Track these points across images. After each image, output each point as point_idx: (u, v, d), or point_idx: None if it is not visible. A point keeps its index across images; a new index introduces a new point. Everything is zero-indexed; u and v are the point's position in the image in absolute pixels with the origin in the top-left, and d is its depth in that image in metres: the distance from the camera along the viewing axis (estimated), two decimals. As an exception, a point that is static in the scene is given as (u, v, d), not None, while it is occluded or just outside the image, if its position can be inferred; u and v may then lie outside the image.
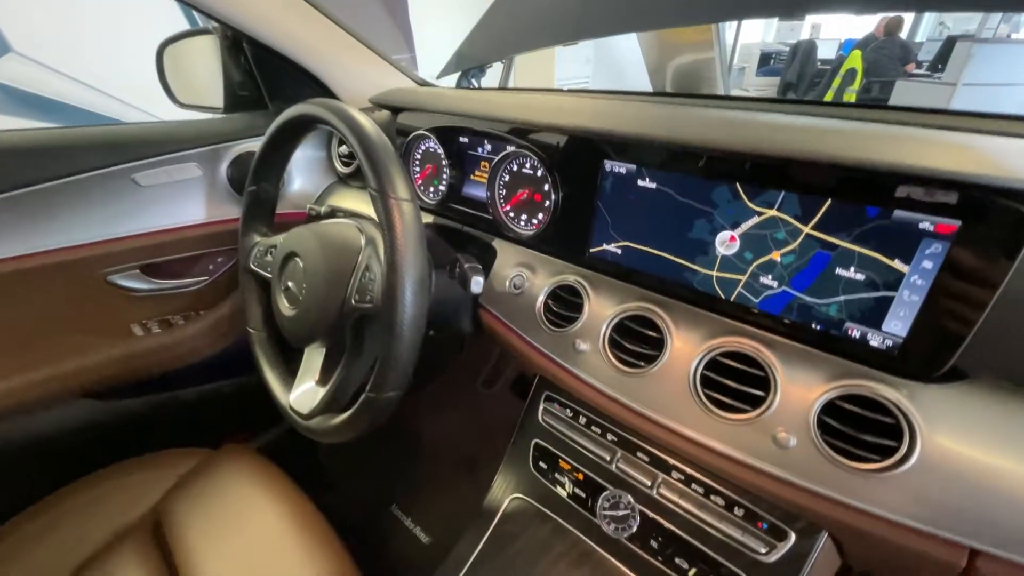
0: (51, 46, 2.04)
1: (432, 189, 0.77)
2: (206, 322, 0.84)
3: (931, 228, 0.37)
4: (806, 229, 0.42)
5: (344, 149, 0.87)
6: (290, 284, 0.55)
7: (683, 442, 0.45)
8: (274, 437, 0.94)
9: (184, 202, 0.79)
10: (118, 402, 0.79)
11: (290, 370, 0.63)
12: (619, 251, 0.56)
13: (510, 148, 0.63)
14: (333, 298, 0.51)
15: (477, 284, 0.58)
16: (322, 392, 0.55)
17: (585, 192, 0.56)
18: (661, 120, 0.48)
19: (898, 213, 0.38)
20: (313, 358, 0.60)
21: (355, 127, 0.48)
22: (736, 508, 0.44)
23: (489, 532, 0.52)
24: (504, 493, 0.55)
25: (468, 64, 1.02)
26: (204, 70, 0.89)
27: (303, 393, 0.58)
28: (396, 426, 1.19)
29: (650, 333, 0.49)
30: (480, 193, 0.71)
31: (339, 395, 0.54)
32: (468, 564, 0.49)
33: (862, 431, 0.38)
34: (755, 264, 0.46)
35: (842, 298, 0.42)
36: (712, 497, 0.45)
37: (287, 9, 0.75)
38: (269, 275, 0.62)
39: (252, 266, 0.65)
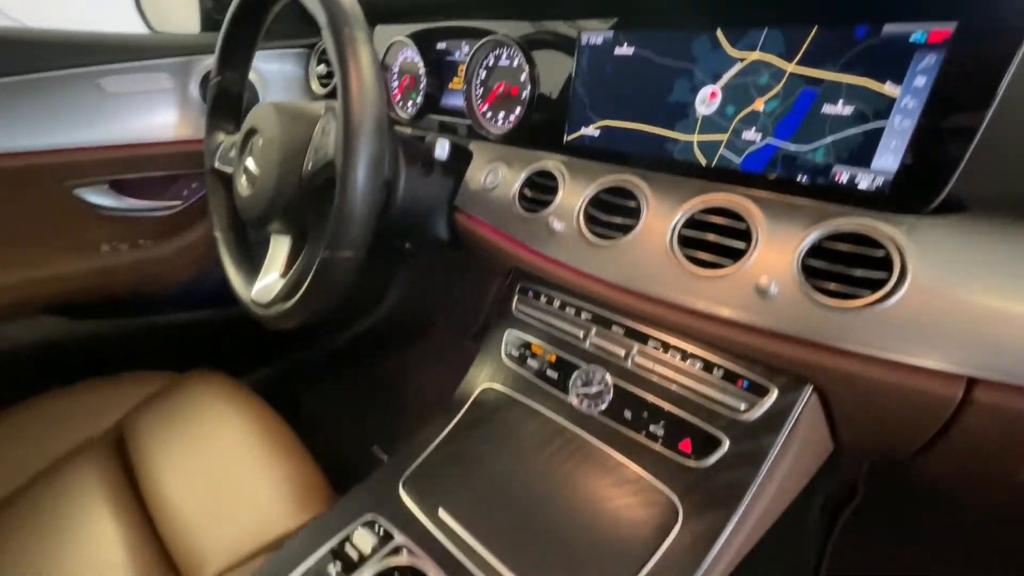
0: None
1: (410, 102, 0.74)
2: (180, 245, 0.81)
3: (923, 39, 0.33)
4: (791, 67, 0.39)
5: (322, 68, 0.84)
6: (248, 163, 0.52)
7: (660, 308, 0.42)
8: (253, 373, 0.91)
9: (154, 117, 0.76)
10: (85, 321, 0.76)
11: (255, 268, 0.60)
12: (597, 132, 0.53)
13: (486, 39, 0.60)
14: (290, 167, 0.48)
15: (442, 147, 0.55)
16: (283, 282, 0.52)
17: (561, 75, 0.53)
18: None
19: (888, 28, 0.34)
20: (277, 251, 0.57)
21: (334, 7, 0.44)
22: (715, 370, 0.41)
23: (456, 419, 0.48)
24: (474, 385, 0.52)
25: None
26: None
27: (265, 286, 0.55)
28: (382, 377, 1.16)
29: (628, 203, 0.46)
30: (458, 101, 0.68)
31: (301, 281, 0.51)
32: (431, 446, 0.46)
33: (850, 268, 0.35)
34: (737, 118, 0.43)
35: (829, 139, 0.38)
36: (689, 361, 0.42)
37: None
38: (230, 171, 0.59)
39: (217, 165, 0.62)
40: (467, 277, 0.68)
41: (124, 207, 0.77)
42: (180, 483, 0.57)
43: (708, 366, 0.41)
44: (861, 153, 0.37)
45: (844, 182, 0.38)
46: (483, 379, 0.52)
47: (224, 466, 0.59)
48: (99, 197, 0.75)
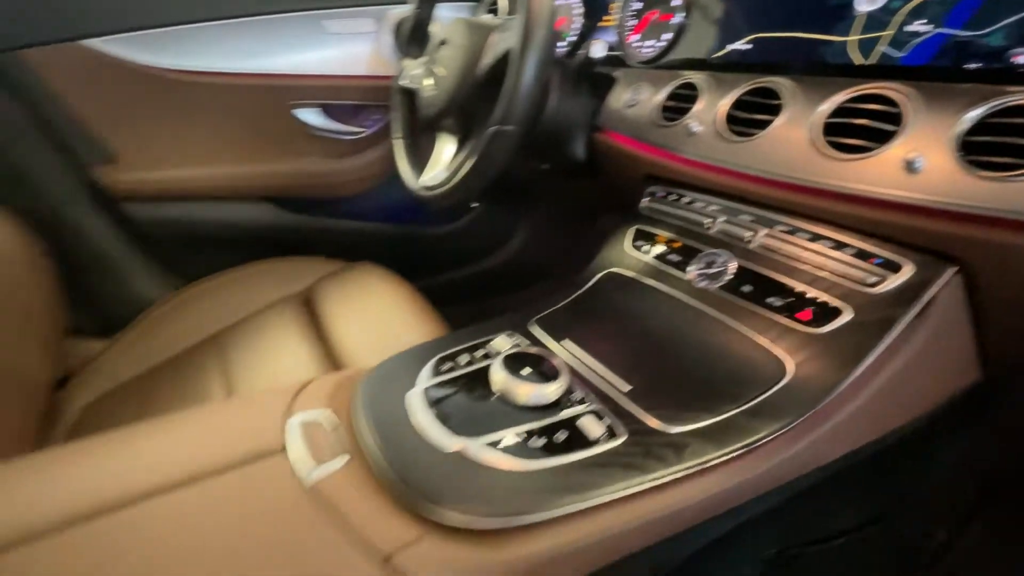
0: None
1: (563, 42, 0.82)
2: (359, 163, 0.99)
3: None
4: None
5: (487, 17, 0.96)
6: (436, 68, 0.64)
7: (795, 192, 0.44)
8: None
9: (356, 53, 0.94)
10: (288, 212, 0.97)
11: (421, 166, 0.72)
12: (748, 46, 0.55)
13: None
14: (469, 67, 0.58)
15: (597, 47, 0.61)
16: (446, 172, 0.63)
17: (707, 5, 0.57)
18: None
19: None
20: (442, 149, 0.68)
21: None
22: (845, 249, 0.42)
23: (579, 292, 0.55)
24: (596, 270, 0.58)
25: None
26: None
27: (431, 176, 0.67)
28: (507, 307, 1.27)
29: (771, 102, 0.48)
30: (607, 38, 0.74)
31: (464, 163, 0.60)
32: (557, 305, 0.53)
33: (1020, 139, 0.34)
34: (904, 11, 0.43)
35: (1009, 19, 0.37)
36: (818, 243, 0.43)
37: None
38: (416, 87, 0.72)
39: (403, 83, 0.76)
40: (582, 229, 0.73)
41: (326, 127, 0.96)
42: (353, 330, 0.71)
43: (838, 245, 0.42)
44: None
45: (1016, 60, 0.37)
46: (605, 265, 0.58)
47: (388, 326, 0.72)
48: (310, 117, 0.94)
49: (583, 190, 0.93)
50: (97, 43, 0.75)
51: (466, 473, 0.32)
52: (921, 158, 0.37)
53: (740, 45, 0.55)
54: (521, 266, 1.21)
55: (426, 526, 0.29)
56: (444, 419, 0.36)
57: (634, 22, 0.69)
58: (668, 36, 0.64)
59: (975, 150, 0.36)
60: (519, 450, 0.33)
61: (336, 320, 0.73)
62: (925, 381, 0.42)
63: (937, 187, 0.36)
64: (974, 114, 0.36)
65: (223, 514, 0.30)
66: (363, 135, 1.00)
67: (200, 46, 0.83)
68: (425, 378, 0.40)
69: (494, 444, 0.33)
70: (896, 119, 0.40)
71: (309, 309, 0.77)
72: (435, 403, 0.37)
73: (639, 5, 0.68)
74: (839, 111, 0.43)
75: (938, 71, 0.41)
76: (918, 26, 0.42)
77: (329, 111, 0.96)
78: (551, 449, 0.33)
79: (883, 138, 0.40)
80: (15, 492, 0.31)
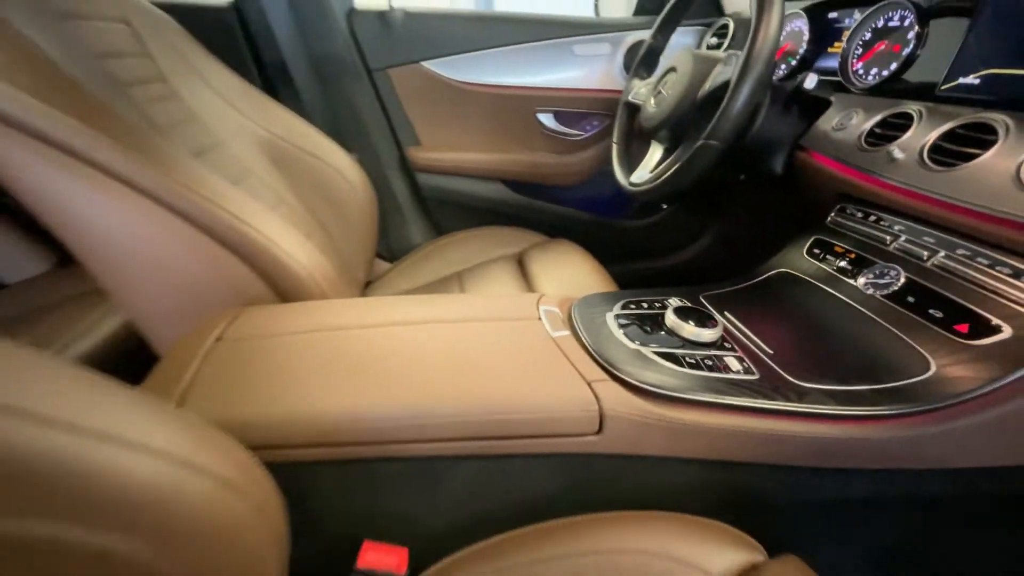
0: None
1: (783, 64, 0.89)
2: (576, 160, 1.21)
3: None
4: None
5: (713, 40, 1.06)
6: (662, 88, 0.79)
7: (985, 222, 0.48)
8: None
9: (592, 71, 1.15)
10: (518, 194, 1.25)
11: (632, 168, 0.88)
12: (977, 81, 0.57)
13: (885, 2, 0.69)
14: (691, 91, 0.72)
15: (811, 80, 0.69)
16: (652, 174, 0.79)
17: (946, 29, 0.59)
18: None
19: None
20: (653, 155, 0.84)
21: None
22: (1021, 277, 0.45)
23: (749, 282, 0.65)
24: (771, 268, 0.67)
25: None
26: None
27: (639, 176, 0.83)
28: None
29: (984, 136, 0.51)
30: (830, 63, 0.79)
31: (670, 167, 0.75)
32: (724, 288, 0.64)
33: None
34: None
35: None
36: (996, 268, 0.47)
37: None
38: (640, 102, 0.88)
39: (630, 98, 0.93)
40: (767, 238, 0.78)
41: (556, 128, 1.20)
42: (551, 286, 0.92)
43: (1016, 273, 0.45)
44: None
45: None
46: (778, 265, 0.66)
47: (578, 287, 0.91)
48: (547, 120, 1.19)
49: (774, 202, 0.98)
50: (426, 64, 1.11)
51: (637, 360, 0.48)
52: None
53: (970, 79, 0.57)
54: (702, 266, 1.29)
55: (609, 376, 0.46)
56: (627, 332, 0.53)
57: (861, 51, 0.73)
58: (895, 65, 0.67)
59: None
60: (676, 360, 0.48)
61: (539, 277, 0.95)
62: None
63: None
64: None
65: (499, 337, 0.51)
66: (583, 137, 1.22)
67: (483, 65, 1.14)
68: (616, 309, 0.58)
69: (659, 353, 0.49)
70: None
71: (520, 267, 1.02)
72: (622, 323, 0.54)
73: (869, 35, 0.72)
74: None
75: None
76: None
77: (559, 115, 1.20)
78: (698, 367, 0.48)
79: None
80: (346, 307, 0.58)
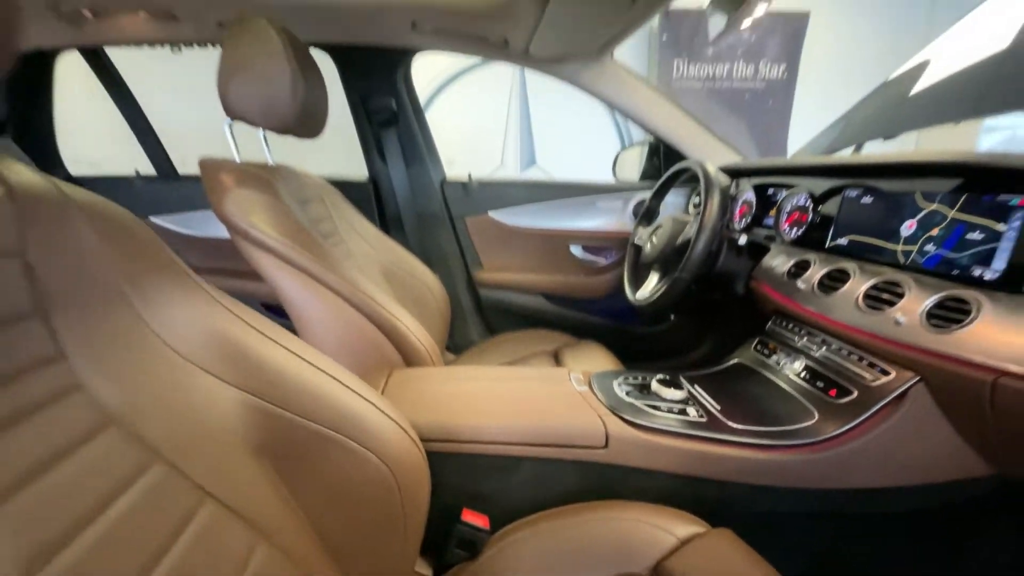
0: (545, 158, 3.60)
1: (744, 220, 1.26)
2: (599, 280, 1.58)
3: (1017, 202, 0.63)
4: (951, 213, 0.71)
5: (696, 199, 1.47)
6: (654, 239, 1.17)
7: (846, 330, 0.78)
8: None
9: (610, 220, 1.57)
10: (556, 304, 1.61)
11: (637, 287, 1.23)
12: (846, 242, 0.90)
13: (790, 191, 1.07)
14: (672, 241, 1.09)
15: (743, 239, 1.03)
16: (649, 292, 1.13)
17: (832, 208, 0.95)
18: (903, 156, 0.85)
19: (1001, 196, 0.65)
20: (651, 279, 1.19)
21: (704, 169, 1.05)
22: (863, 359, 0.73)
23: (713, 369, 0.94)
24: (730, 359, 0.96)
25: (854, 141, 1.42)
26: (633, 161, 1.70)
27: (641, 294, 1.18)
28: None
29: (845, 277, 0.83)
30: (770, 221, 1.15)
31: (659, 288, 1.09)
32: (695, 373, 0.93)
33: (952, 313, 0.64)
34: (923, 238, 0.75)
35: (970, 251, 0.68)
36: (851, 355, 0.75)
37: (679, 124, 1.44)
38: (641, 244, 1.26)
39: (635, 241, 1.31)
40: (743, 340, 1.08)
41: (584, 258, 1.60)
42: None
43: (861, 358, 0.73)
44: (985, 259, 0.65)
45: (977, 274, 0.66)
46: (736, 357, 0.95)
47: None
48: (577, 251, 1.59)
49: (739, 315, 1.30)
50: (491, 213, 1.57)
51: (632, 407, 0.77)
52: (904, 317, 0.69)
53: (842, 240, 0.91)
54: (698, 363, 1.57)
55: (613, 414, 0.75)
56: (627, 392, 0.82)
57: (785, 217, 1.09)
58: (803, 228, 1.03)
59: (932, 316, 0.66)
60: (656, 408, 0.77)
61: (570, 368, 1.25)
62: (915, 452, 0.68)
63: (909, 334, 0.68)
64: (936, 298, 0.67)
65: (545, 389, 0.81)
66: (603, 264, 1.60)
67: (531, 214, 1.58)
68: (621, 379, 0.88)
69: (646, 403, 0.78)
70: (901, 294, 0.72)
71: (556, 360, 1.33)
72: (624, 387, 0.84)
73: (788, 208, 1.09)
74: (876, 287, 0.77)
75: (940, 274, 0.72)
76: (929, 247, 0.74)
77: (586, 248, 1.60)
78: (669, 412, 0.76)
79: (890, 304, 0.72)
80: (455, 369, 0.90)
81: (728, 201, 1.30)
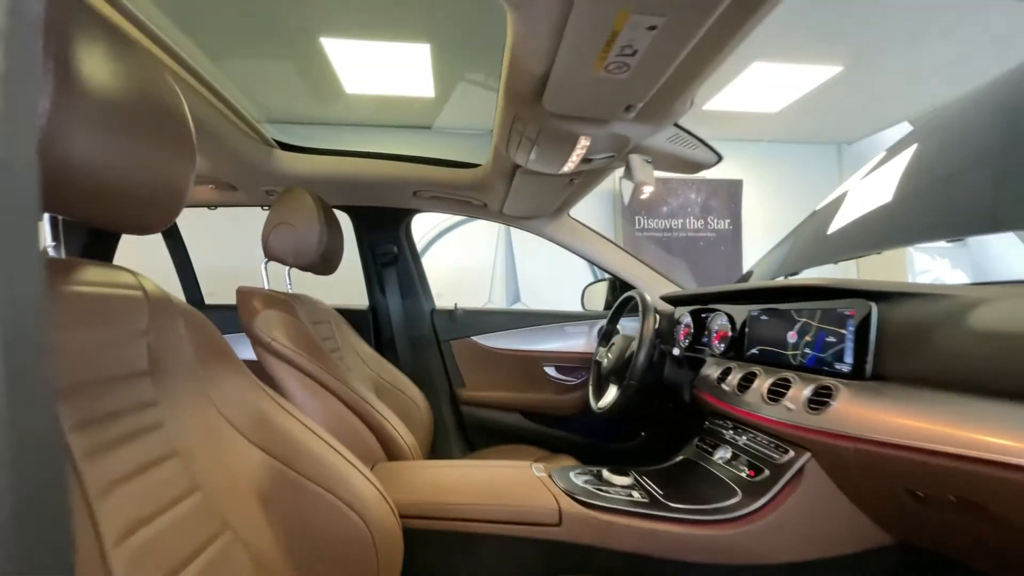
0: (529, 296, 3.95)
1: (687, 340, 1.47)
2: (572, 396, 1.72)
3: (848, 312, 0.85)
4: (815, 324, 0.93)
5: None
6: (609, 354, 1.36)
7: (756, 419, 0.94)
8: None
9: (577, 343, 1.78)
10: (532, 421, 1.71)
11: (599, 396, 1.39)
12: (757, 351, 1.10)
13: (714, 315, 1.30)
14: (622, 355, 1.28)
15: (676, 350, 1.23)
16: (609, 401, 1.28)
17: (744, 328, 1.17)
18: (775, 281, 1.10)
19: (839, 308, 0.87)
20: (610, 390, 1.35)
21: (641, 296, 1.30)
22: (770, 442, 0.87)
23: (662, 465, 1.05)
24: (677, 456, 1.08)
25: (788, 271, 1.70)
26: (598, 294, 1.98)
27: (603, 402, 1.33)
28: None
29: (752, 378, 1.02)
30: (705, 339, 1.37)
31: (616, 396, 1.25)
32: (646, 468, 1.04)
33: (822, 399, 0.82)
34: (802, 343, 0.96)
35: (831, 351, 0.88)
36: (763, 440, 0.89)
37: (628, 264, 1.74)
38: (602, 360, 1.45)
39: (597, 358, 1.51)
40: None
41: (557, 377, 1.76)
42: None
43: (770, 442, 0.88)
44: (840, 356, 0.85)
45: (837, 368, 0.85)
46: (683, 453, 1.08)
47: None
48: (551, 371, 1.77)
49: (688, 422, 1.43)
50: (474, 338, 1.78)
51: (584, 490, 0.87)
52: (792, 407, 0.86)
53: (754, 350, 1.11)
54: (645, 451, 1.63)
55: (565, 494, 0.85)
56: (582, 480, 0.93)
57: (714, 335, 1.31)
58: (727, 343, 1.24)
59: (811, 402, 0.83)
60: (606, 492, 0.88)
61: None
62: (823, 523, 0.79)
63: (797, 417, 0.84)
64: (811, 388, 0.85)
65: (509, 475, 0.92)
66: (575, 382, 1.76)
67: (510, 338, 1.79)
68: (577, 471, 0.99)
69: (597, 488, 0.89)
70: (789, 387, 0.90)
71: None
72: (580, 476, 0.95)
73: (716, 327, 1.31)
74: (772, 384, 0.95)
75: (810, 369, 0.90)
76: (806, 350, 0.94)
77: (558, 368, 1.77)
78: (617, 495, 0.87)
79: (783, 395, 0.90)
80: (437, 463, 1.01)
81: (664, 321, 1.53)
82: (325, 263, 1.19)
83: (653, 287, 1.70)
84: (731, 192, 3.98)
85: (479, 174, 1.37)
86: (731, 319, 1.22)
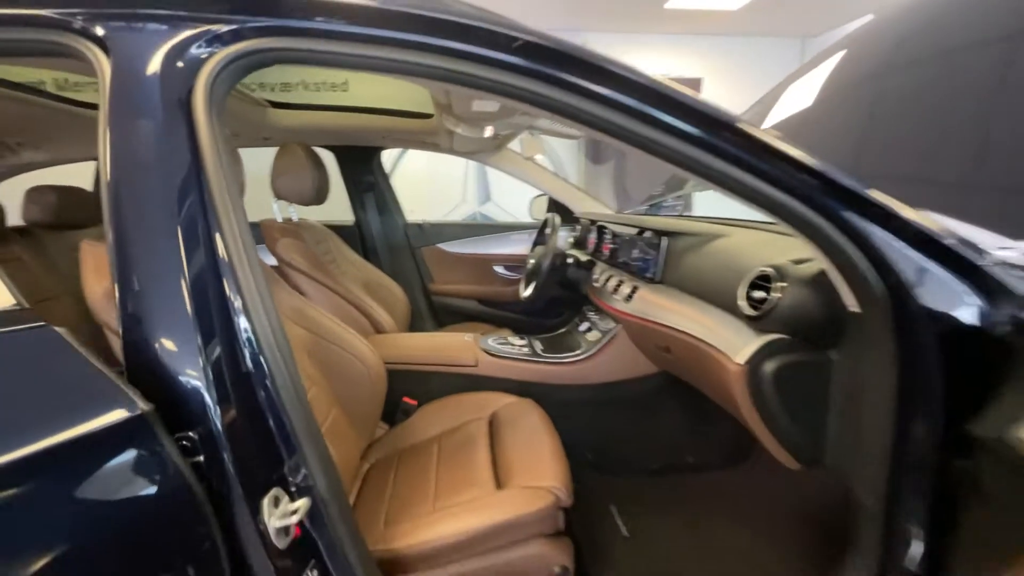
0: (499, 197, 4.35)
1: (592, 247, 2.00)
2: (514, 288, 2.30)
3: (658, 242, 1.36)
4: (641, 246, 1.44)
5: (570, 236, 2.20)
6: (532, 260, 1.89)
7: (601, 303, 1.50)
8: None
9: (519, 248, 2.29)
10: (486, 308, 2.30)
11: (527, 288, 1.95)
12: (622, 260, 1.63)
13: (606, 232, 1.80)
14: (540, 261, 1.81)
15: (571, 259, 1.77)
16: (529, 291, 1.84)
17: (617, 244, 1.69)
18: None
19: (650, 237, 1.38)
20: (532, 286, 1.92)
21: (553, 219, 1.78)
22: (605, 319, 1.45)
23: (546, 336, 1.65)
24: (561, 328, 1.67)
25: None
26: (541, 205, 2.44)
27: (526, 293, 1.89)
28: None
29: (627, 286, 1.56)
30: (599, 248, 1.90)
31: (531, 293, 1.80)
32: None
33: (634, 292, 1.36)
34: (633, 257, 1.48)
35: (645, 264, 1.41)
36: (603, 316, 1.48)
37: (560, 186, 2.17)
38: (528, 264, 1.98)
39: (528, 262, 2.04)
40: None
41: (503, 274, 2.31)
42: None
43: (604, 318, 1.46)
44: (647, 268, 1.38)
45: (644, 274, 1.39)
46: (565, 327, 1.67)
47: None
48: (500, 269, 2.31)
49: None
50: (439, 245, 2.28)
51: (495, 347, 1.47)
52: (617, 295, 1.41)
53: (622, 258, 1.64)
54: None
55: (484, 352, 1.45)
56: (497, 341, 1.53)
57: (604, 247, 1.82)
58: (609, 254, 1.75)
59: (628, 296, 1.38)
60: (509, 348, 1.48)
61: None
62: (625, 359, 1.39)
63: (619, 304, 1.39)
64: (630, 286, 1.40)
65: (440, 339, 1.51)
66: (516, 278, 2.32)
67: (467, 246, 2.29)
68: (495, 338, 1.58)
69: (502, 345, 1.49)
70: (622, 284, 1.44)
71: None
72: (496, 341, 1.54)
73: (606, 242, 1.82)
74: (617, 282, 1.49)
75: (634, 272, 1.44)
76: (636, 262, 1.47)
77: (507, 267, 2.31)
78: (515, 350, 1.47)
79: (618, 290, 1.44)
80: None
81: (583, 232, 2.03)
82: (318, 196, 1.63)
83: (576, 203, 2.16)
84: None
85: (431, 123, 1.74)
86: (615, 236, 1.73)
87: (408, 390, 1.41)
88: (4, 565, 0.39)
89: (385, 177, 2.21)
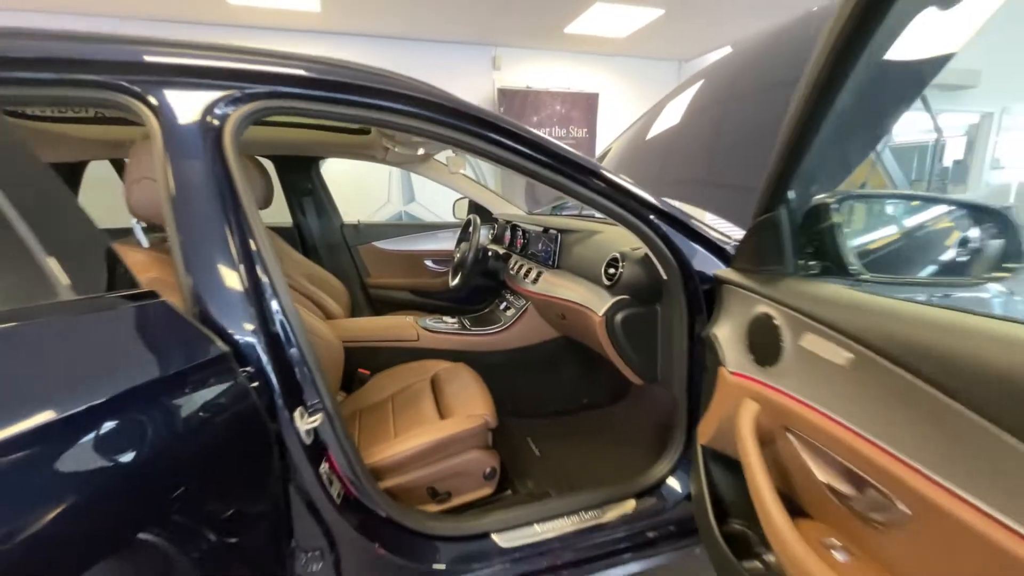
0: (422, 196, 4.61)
1: (508, 243, 2.38)
2: (442, 280, 2.61)
3: (554, 236, 1.77)
4: (541, 240, 1.85)
5: (489, 234, 2.57)
6: (459, 253, 2.23)
7: (516, 287, 1.89)
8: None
9: (445, 244, 2.62)
10: (417, 297, 2.59)
11: (454, 279, 2.28)
12: (532, 251, 2.03)
13: (517, 230, 2.19)
14: (464, 255, 2.16)
15: (492, 251, 2.14)
16: (457, 281, 2.18)
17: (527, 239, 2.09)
18: None
19: (552, 235, 1.79)
20: (458, 277, 2.26)
21: (475, 220, 2.13)
22: (519, 298, 1.85)
23: (472, 315, 2.01)
24: (485, 308, 2.04)
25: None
26: (462, 206, 2.78)
27: (454, 283, 2.23)
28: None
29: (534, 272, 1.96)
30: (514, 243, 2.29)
31: (457, 283, 2.15)
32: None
33: (539, 277, 1.77)
34: (539, 249, 1.89)
35: (544, 253, 1.82)
36: (518, 297, 1.87)
37: (479, 191, 2.54)
38: (456, 257, 2.31)
39: (455, 256, 2.37)
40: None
41: (432, 267, 2.62)
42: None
43: (518, 297, 1.85)
44: (550, 255, 1.79)
45: (546, 262, 1.79)
46: (488, 307, 2.04)
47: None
48: (430, 263, 2.61)
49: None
50: (375, 243, 2.54)
51: (433, 325, 1.80)
52: (527, 279, 1.80)
53: (533, 250, 2.03)
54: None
55: (423, 329, 1.77)
56: (434, 320, 1.85)
57: (518, 241, 2.21)
58: (521, 247, 2.15)
59: (535, 280, 1.78)
60: (443, 326, 1.81)
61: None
62: (534, 328, 1.80)
63: (528, 286, 1.79)
64: (535, 272, 1.80)
65: (387, 320, 1.80)
66: (443, 271, 2.64)
67: (400, 243, 2.57)
68: (433, 320, 1.90)
69: (438, 323, 1.82)
70: (530, 271, 1.84)
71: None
72: (433, 322, 1.87)
73: (518, 237, 2.21)
74: (525, 269, 1.89)
75: (540, 261, 1.85)
76: (540, 252, 1.87)
77: (435, 261, 2.62)
78: (449, 327, 1.81)
79: (527, 276, 1.84)
80: None
81: (500, 230, 2.41)
82: (264, 201, 1.84)
83: (494, 205, 2.53)
84: (589, 104, 4.71)
85: (369, 139, 2.00)
86: (525, 233, 2.13)
87: (361, 363, 1.69)
88: (146, 451, 0.65)
89: (323, 182, 2.41)
